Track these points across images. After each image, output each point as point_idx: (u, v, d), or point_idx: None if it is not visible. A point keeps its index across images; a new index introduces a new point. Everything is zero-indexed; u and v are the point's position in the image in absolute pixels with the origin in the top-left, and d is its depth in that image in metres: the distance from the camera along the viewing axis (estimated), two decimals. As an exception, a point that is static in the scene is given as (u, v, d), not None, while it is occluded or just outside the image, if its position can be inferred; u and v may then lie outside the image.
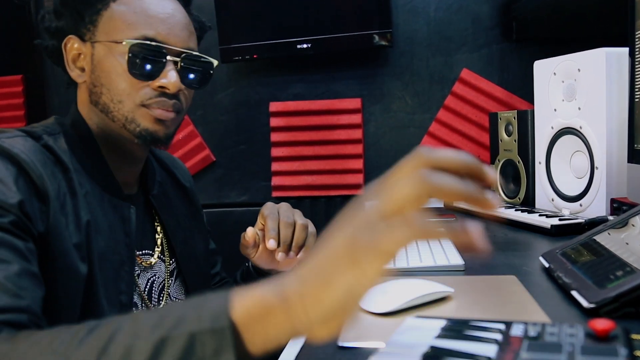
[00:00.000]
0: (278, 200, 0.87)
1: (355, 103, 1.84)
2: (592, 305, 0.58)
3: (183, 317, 0.42)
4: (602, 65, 1.06)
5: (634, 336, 0.45)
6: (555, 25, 1.66)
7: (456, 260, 0.84)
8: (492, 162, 1.49)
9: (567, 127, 1.18)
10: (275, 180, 1.89)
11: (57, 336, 0.45)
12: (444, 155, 0.40)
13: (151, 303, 0.83)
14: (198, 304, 0.43)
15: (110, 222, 0.75)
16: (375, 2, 1.73)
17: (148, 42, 0.74)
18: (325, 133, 1.85)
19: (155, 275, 0.84)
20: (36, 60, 2.05)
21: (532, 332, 0.47)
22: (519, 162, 1.37)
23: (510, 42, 1.75)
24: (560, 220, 1.05)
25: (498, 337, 0.47)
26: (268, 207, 0.84)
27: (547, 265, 0.77)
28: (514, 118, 1.38)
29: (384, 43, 1.74)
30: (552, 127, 1.22)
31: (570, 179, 1.20)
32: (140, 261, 0.82)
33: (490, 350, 0.44)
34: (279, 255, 0.79)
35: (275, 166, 1.90)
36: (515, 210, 1.22)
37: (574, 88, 1.15)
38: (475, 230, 0.38)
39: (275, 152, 1.89)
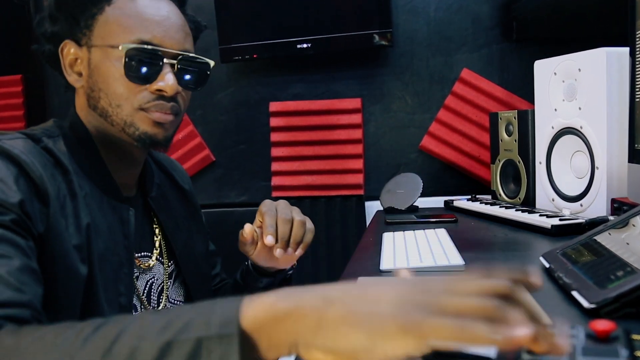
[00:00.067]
0: (278, 200, 0.87)
1: (355, 103, 1.83)
2: (592, 306, 0.58)
3: (191, 322, 0.42)
4: (603, 65, 1.06)
5: (635, 337, 0.45)
6: (556, 25, 1.66)
7: (456, 260, 0.84)
8: (493, 162, 1.49)
9: (567, 127, 1.17)
10: (275, 180, 1.89)
11: (62, 333, 0.45)
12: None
13: (150, 305, 0.83)
14: (207, 308, 0.43)
15: (109, 224, 0.75)
16: (375, 2, 1.73)
17: (144, 46, 0.74)
18: (325, 133, 1.85)
19: (154, 277, 0.84)
20: (36, 60, 2.04)
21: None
22: (519, 162, 1.36)
23: (511, 42, 1.75)
24: (560, 220, 1.05)
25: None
26: (266, 204, 0.84)
27: (547, 265, 0.77)
28: (515, 118, 1.37)
29: (384, 43, 1.73)
30: (553, 127, 1.22)
31: (571, 179, 1.20)
32: (139, 263, 0.82)
33: (491, 350, 0.44)
34: (277, 252, 0.80)
35: (275, 166, 1.89)
36: (516, 210, 1.22)
37: (575, 88, 1.15)
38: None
39: (275, 152, 1.89)
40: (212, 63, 0.83)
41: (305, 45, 1.78)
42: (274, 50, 1.82)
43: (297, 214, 0.83)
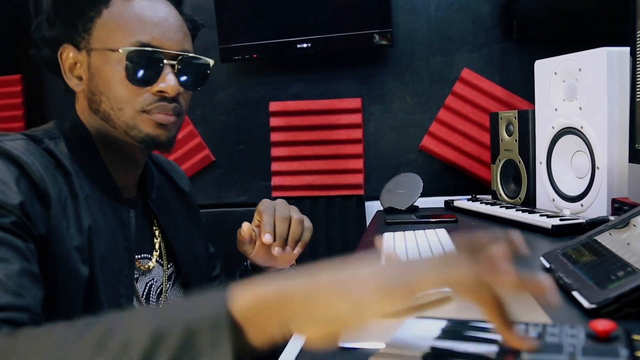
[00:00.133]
0: (276, 199, 0.87)
1: (355, 103, 1.83)
2: (593, 306, 0.58)
3: (182, 312, 0.43)
4: (603, 64, 1.05)
5: (635, 337, 0.45)
6: (556, 24, 1.65)
7: (456, 260, 0.84)
8: (493, 162, 1.49)
9: (568, 126, 1.17)
10: (275, 180, 1.89)
11: (56, 331, 0.45)
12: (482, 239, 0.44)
13: None
14: (197, 299, 0.44)
15: (110, 226, 0.75)
16: (376, 2, 1.73)
17: (144, 48, 0.74)
18: (325, 133, 1.85)
19: (153, 279, 0.84)
20: (35, 60, 2.04)
21: (533, 333, 0.47)
22: (519, 162, 1.36)
23: (511, 42, 1.75)
24: (561, 220, 1.05)
25: (499, 337, 0.46)
26: (264, 204, 0.85)
27: (547, 265, 0.77)
28: (515, 118, 1.37)
29: (384, 42, 1.73)
30: (553, 127, 1.21)
31: (571, 179, 1.19)
32: (138, 265, 0.82)
33: (491, 351, 0.44)
34: (275, 250, 0.80)
35: (275, 166, 1.89)
36: (516, 210, 1.22)
37: (575, 88, 1.15)
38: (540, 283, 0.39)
39: (275, 152, 1.89)
40: (211, 62, 0.83)
41: (305, 45, 1.78)
42: (274, 50, 1.81)
43: (295, 212, 0.84)
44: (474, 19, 1.77)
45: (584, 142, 1.12)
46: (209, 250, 1.00)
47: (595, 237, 0.75)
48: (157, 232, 0.87)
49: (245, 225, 0.85)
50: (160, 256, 0.87)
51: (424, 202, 1.55)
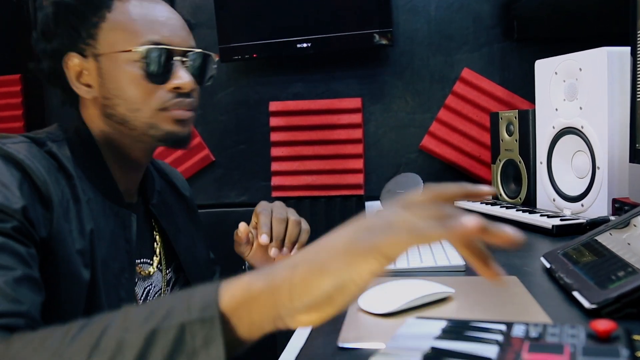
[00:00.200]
0: (277, 200, 0.87)
1: (355, 102, 1.83)
2: (593, 306, 0.58)
3: (172, 309, 0.43)
4: (604, 64, 1.05)
5: (636, 337, 0.45)
6: (557, 24, 1.65)
7: (457, 260, 0.84)
8: (493, 162, 1.49)
9: (568, 126, 1.17)
10: (275, 180, 1.89)
11: (50, 335, 0.45)
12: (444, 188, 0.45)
13: None
14: (187, 295, 0.44)
15: (111, 229, 0.75)
16: (376, 1, 1.73)
17: (157, 46, 0.74)
18: (325, 133, 1.85)
19: (152, 284, 0.84)
20: (35, 60, 2.04)
21: (534, 333, 0.47)
22: (520, 162, 1.36)
23: (512, 42, 1.75)
24: (561, 220, 1.05)
25: (499, 338, 0.46)
26: (262, 205, 0.85)
27: (548, 265, 0.77)
28: (515, 118, 1.37)
29: (384, 42, 1.73)
30: (554, 127, 1.21)
31: (572, 179, 1.19)
32: (139, 270, 0.82)
33: (491, 351, 0.44)
34: (272, 251, 0.80)
35: (275, 166, 1.89)
36: (517, 210, 1.22)
37: (576, 87, 1.15)
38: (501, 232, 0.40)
39: (275, 151, 1.89)
40: (216, 57, 0.84)
41: (305, 45, 1.78)
42: (273, 49, 1.81)
43: (292, 214, 0.84)
44: (474, 19, 1.77)
45: (584, 142, 1.12)
46: (209, 256, 1.00)
47: (596, 237, 0.75)
48: (157, 237, 0.87)
49: (242, 226, 0.85)
50: (160, 262, 0.87)
51: (424, 202, 1.55)
